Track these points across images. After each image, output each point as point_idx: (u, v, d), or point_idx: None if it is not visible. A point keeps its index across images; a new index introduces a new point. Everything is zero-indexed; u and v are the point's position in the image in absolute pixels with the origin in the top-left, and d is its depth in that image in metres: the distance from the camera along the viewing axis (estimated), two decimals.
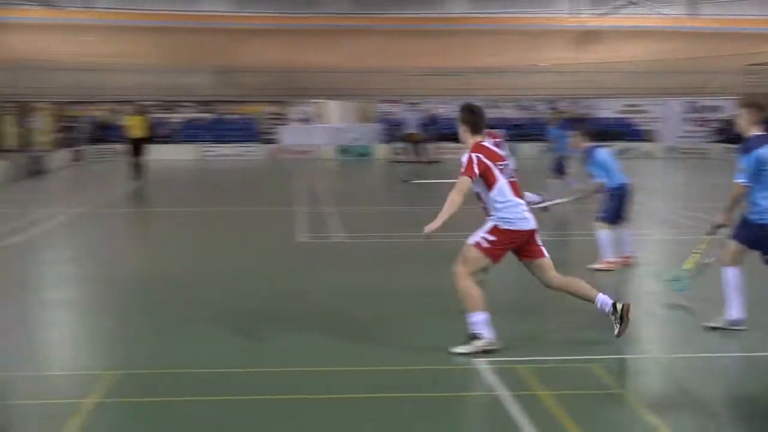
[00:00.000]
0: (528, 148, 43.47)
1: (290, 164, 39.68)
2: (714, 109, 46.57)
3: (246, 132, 47.01)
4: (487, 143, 9.08)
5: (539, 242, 8.94)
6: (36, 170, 32.91)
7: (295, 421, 6.99)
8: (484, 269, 8.88)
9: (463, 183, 8.72)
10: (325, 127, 46.55)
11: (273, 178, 34.26)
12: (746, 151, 9.15)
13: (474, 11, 63.53)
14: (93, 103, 48.79)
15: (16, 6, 57.43)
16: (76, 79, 49.25)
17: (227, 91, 51.08)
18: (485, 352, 8.57)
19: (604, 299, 8.86)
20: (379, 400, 7.50)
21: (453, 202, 8.65)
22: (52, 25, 55.03)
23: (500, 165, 8.87)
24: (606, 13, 62.70)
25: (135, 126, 28.79)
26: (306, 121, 48.10)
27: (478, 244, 8.73)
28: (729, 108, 45.42)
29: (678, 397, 7.65)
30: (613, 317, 8.79)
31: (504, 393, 7.46)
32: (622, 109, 48.35)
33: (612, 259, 13.08)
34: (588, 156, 13.28)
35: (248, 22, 60.62)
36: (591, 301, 8.93)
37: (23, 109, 45.84)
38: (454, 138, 33.14)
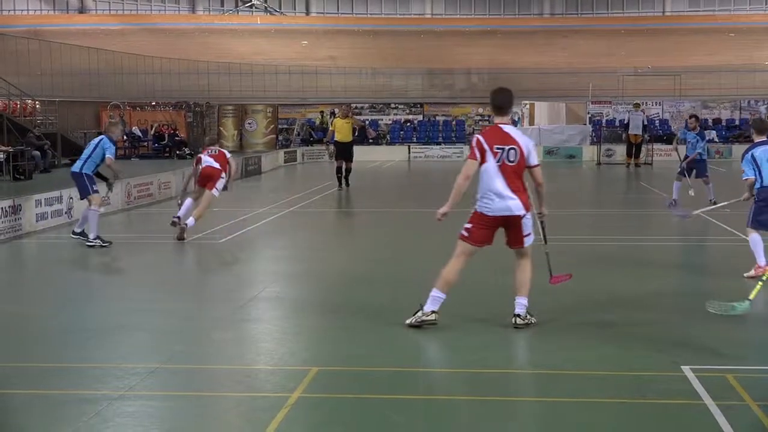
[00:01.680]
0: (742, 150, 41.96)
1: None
2: None
3: (454, 133, 47.31)
4: (502, 126, 9.42)
5: (524, 232, 9.41)
6: (252, 170, 34.16)
7: (495, 424, 7.01)
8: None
9: (467, 166, 9.45)
10: (532, 128, 46.24)
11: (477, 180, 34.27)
12: None
13: (691, 9, 62.00)
14: (307, 105, 50.26)
15: (242, 13, 59.93)
16: (291, 82, 50.90)
17: (437, 93, 51.61)
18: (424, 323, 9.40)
19: (519, 301, 9.54)
20: (580, 404, 7.42)
21: (458, 185, 9.45)
22: (272, 30, 57.06)
23: (498, 148, 9.22)
24: None
25: (342, 129, 27.20)
26: (514, 122, 47.98)
27: (461, 235, 9.58)
28: None
29: None
30: (519, 319, 9.48)
31: (710, 402, 7.22)
32: None
33: (764, 265, 12.20)
34: (745, 153, 12.81)
35: (458, 24, 61.10)
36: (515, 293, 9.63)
37: (241, 112, 47.79)
38: (667, 140, 33.02)
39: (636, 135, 37.10)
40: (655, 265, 14.05)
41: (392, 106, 50.16)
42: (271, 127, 48.06)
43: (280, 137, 48.29)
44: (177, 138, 43.09)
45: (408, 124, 49.11)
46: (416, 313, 9.51)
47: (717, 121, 45.80)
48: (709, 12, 61.85)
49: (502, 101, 9.61)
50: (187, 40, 53.01)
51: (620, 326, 9.68)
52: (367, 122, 39.06)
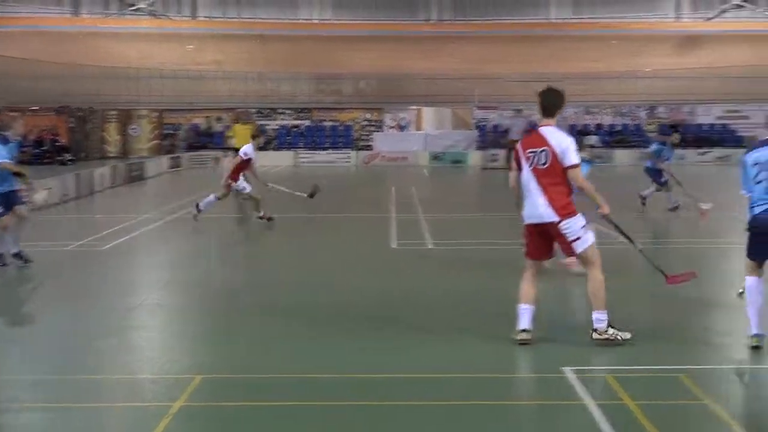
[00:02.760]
0: (625, 155, 43.08)
1: (384, 171, 39.83)
2: None
3: (341, 138, 47.35)
4: (541, 129, 9.26)
5: (569, 237, 9.03)
6: (135, 176, 33.65)
7: (375, 427, 7.03)
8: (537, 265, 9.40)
9: (510, 177, 9.48)
10: (419, 134, 46.60)
11: (367, 185, 34.42)
12: None
13: (576, 17, 63.04)
14: (192, 110, 49.74)
15: (126, 16, 58.97)
16: (176, 87, 50.30)
17: (325, 98, 51.59)
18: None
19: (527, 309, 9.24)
20: (469, 407, 7.49)
21: (513, 190, 9.40)
22: (157, 35, 56.26)
23: (530, 152, 9.09)
24: (711, 17, 61.63)
25: (242, 136, 24.85)
26: (401, 127, 48.25)
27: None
28: None
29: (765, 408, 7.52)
30: (596, 334, 9.08)
31: (591, 402, 7.39)
32: (722, 115, 47.10)
33: None
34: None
35: (346, 29, 61.06)
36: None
37: (125, 117, 47.00)
38: None
39: (514, 140, 37.75)
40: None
41: (279, 111, 49.96)
42: (156, 132, 47.43)
43: (165, 142, 47.67)
44: (58, 144, 42.17)
45: (295, 129, 49.00)
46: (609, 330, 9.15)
47: (599, 127, 46.79)
48: (592, 20, 63.14)
49: (547, 101, 9.42)
50: (70, 44, 51.90)
51: (503, 327, 9.81)
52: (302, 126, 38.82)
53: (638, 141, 45.18)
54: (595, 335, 9.08)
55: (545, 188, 9.01)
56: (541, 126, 9.27)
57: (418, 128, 49.78)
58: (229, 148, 26.26)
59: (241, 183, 19.82)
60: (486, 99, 47.55)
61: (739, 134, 45.51)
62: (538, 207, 9.03)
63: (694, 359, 8.83)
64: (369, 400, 7.56)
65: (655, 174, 21.45)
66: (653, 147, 21.80)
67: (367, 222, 20.87)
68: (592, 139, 44.51)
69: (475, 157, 44.10)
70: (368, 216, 21.97)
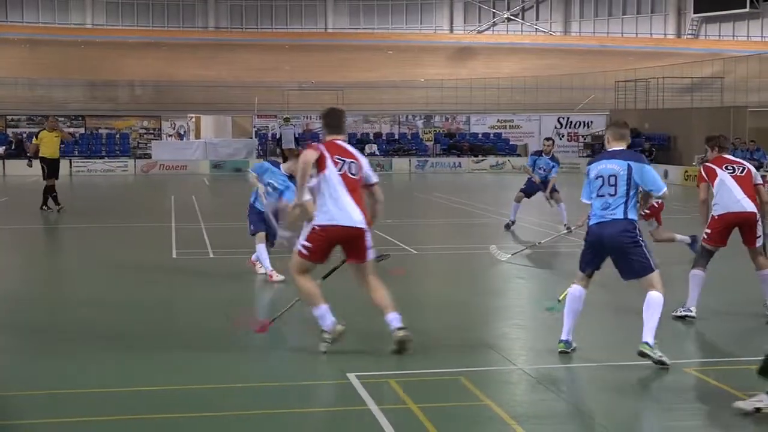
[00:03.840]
0: (403, 163, 43.93)
1: (164, 180, 39.13)
2: (585, 124, 47.54)
3: (118, 147, 46.17)
4: (338, 142, 9.36)
5: (367, 245, 9.20)
6: None
7: None
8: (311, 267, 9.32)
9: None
10: (199, 142, 46.02)
11: (146, 194, 33.73)
12: None
13: (353, 27, 63.92)
14: None
15: None
16: None
17: (99, 105, 50.22)
18: (336, 340, 9.10)
19: (393, 317, 9.18)
20: (251, 417, 7.46)
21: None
22: None
23: (337, 158, 9.14)
24: (484, 30, 63.76)
25: (49, 144, 23.72)
26: (180, 135, 47.53)
27: (299, 252, 9.23)
28: (600, 123, 46.62)
29: (543, 408, 7.81)
30: (397, 333, 9.12)
31: (374, 407, 7.50)
32: (495, 124, 48.60)
33: None
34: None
35: (121, 35, 59.81)
36: (382, 313, 9.26)
37: None
38: None
39: (290, 149, 37.93)
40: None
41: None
42: None
43: None
44: None
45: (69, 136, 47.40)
46: None
47: (378, 135, 47.53)
48: (368, 30, 64.11)
49: (332, 120, 9.57)
50: None
51: (293, 337, 9.82)
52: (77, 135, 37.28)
53: (415, 150, 46.19)
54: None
55: (359, 196, 9.22)
56: (336, 140, 9.36)
57: (198, 136, 49.21)
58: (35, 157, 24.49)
59: None
60: (265, 107, 47.49)
61: (512, 143, 47.20)
62: (351, 212, 9.11)
63: (473, 361, 9.10)
64: (147, 413, 7.45)
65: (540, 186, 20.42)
66: (529, 160, 20.99)
67: (147, 232, 20.47)
68: (373, 147, 45.47)
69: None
70: (148, 225, 21.55)
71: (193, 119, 49.97)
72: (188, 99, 50.08)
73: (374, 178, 9.42)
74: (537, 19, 64.34)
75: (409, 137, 47.35)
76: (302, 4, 65.12)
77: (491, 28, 64.75)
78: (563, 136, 47.05)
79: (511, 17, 64.60)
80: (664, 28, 60.92)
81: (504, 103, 50.51)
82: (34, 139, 24.70)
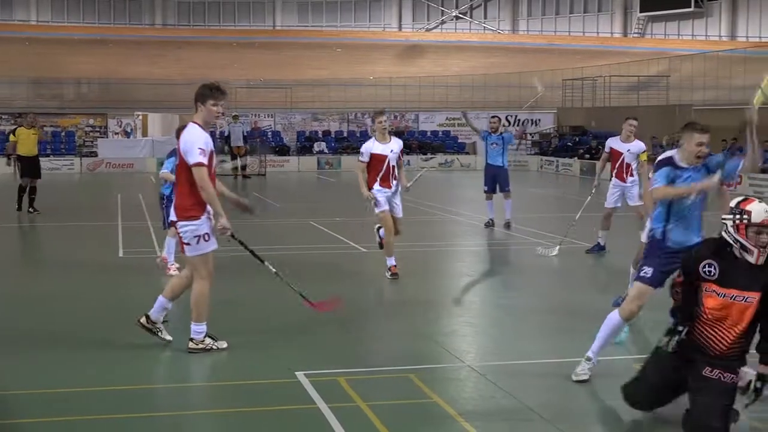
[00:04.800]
0: (352, 161, 43.82)
1: (110, 178, 38.70)
2: (533, 122, 47.80)
3: (64, 145, 45.61)
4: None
5: (183, 240, 9.01)
6: None
7: None
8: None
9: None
10: (146, 140, 45.57)
11: (92, 193, 33.34)
12: None
13: (301, 24, 63.73)
14: None
15: None
16: None
17: (45, 103, 49.60)
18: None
19: (159, 304, 9.27)
20: (202, 416, 7.41)
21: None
22: None
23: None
24: (433, 28, 63.86)
25: (26, 141, 22.69)
26: (126, 133, 47.05)
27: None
28: (547, 121, 46.90)
29: (491, 404, 7.83)
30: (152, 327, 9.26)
31: (324, 405, 7.47)
32: (443, 122, 48.70)
33: None
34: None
35: (66, 32, 59.12)
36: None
37: None
38: (280, 151, 32.52)
39: (239, 147, 37.83)
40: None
41: None
42: None
43: None
44: None
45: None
46: None
47: (326, 133, 47.47)
48: (317, 27, 63.95)
49: (195, 95, 9.13)
50: None
51: (238, 335, 9.75)
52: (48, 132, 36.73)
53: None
54: (191, 345, 9.06)
55: (175, 188, 9.22)
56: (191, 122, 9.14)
57: (144, 134, 48.77)
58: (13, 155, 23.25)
59: None
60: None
61: (460, 141, 47.30)
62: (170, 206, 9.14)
63: (422, 359, 9.09)
64: (57, 416, 7.36)
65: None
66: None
67: (93, 231, 20.23)
68: (322, 145, 45.40)
69: None
70: (94, 224, 21.29)
71: (140, 117, 49.49)
72: (135, 97, 49.63)
73: (191, 160, 8.77)
74: (485, 17, 64.60)
75: (358, 135, 47.27)
76: (250, 1, 64.85)
77: (440, 27, 64.87)
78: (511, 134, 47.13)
79: (460, 15, 64.78)
80: (610, 27, 61.44)
81: (452, 101, 50.60)
82: (11, 136, 23.50)
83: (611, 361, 8.66)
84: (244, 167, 37.45)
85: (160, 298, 9.29)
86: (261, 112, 46.15)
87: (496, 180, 20.08)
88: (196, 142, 8.78)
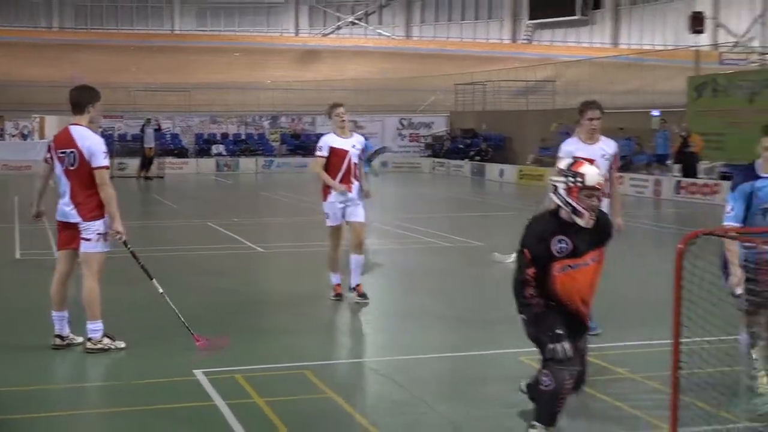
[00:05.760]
0: (250, 163, 43.59)
1: (6, 180, 37.75)
2: (426, 125, 48.09)
3: None
4: (70, 128, 9.01)
5: (82, 235, 8.89)
6: None
7: None
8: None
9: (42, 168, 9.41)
10: (43, 143, 44.51)
11: None
12: None
13: (200, 29, 63.13)
14: None
15: None
16: None
17: None
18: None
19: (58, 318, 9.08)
20: (100, 415, 7.32)
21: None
22: None
23: (61, 153, 8.93)
24: (329, 33, 63.85)
25: None
26: (23, 136, 45.97)
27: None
28: (440, 124, 47.27)
29: (385, 398, 7.90)
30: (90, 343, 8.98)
31: (221, 402, 7.44)
32: None
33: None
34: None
35: None
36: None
37: None
38: (179, 154, 32.01)
39: (150, 148, 37.40)
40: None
41: None
42: None
43: None
44: None
45: None
46: None
47: (225, 136, 47.04)
48: (215, 32, 63.36)
49: (75, 99, 8.98)
50: None
51: (137, 334, 9.64)
52: None
53: (261, 150, 45.89)
54: (89, 345, 8.97)
55: (73, 190, 8.88)
56: (72, 125, 9.02)
57: (42, 137, 47.69)
58: None
59: None
60: (112, 108, 46.35)
61: None
62: (64, 207, 8.92)
63: (317, 356, 9.10)
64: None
65: None
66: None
67: None
68: (220, 148, 45.02)
69: None
70: None
71: (38, 119, 48.41)
72: (32, 99, 48.50)
73: (96, 163, 8.82)
74: (380, 23, 64.83)
75: (256, 138, 47.01)
76: (148, 5, 63.94)
77: (336, 32, 64.88)
78: (405, 136, 47.54)
79: (355, 21, 64.88)
80: (500, 34, 62.22)
81: (348, 104, 50.05)
82: None
83: (501, 354, 8.80)
84: (149, 168, 37.21)
85: (54, 314, 9.11)
86: (159, 115, 45.62)
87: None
88: (100, 145, 8.82)
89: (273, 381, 8.19)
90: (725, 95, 26.56)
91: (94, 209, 8.84)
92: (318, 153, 11.34)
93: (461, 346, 9.21)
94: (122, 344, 9.11)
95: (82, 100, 8.98)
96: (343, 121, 11.41)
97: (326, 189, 11.28)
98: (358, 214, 11.21)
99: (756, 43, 38.65)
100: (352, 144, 11.36)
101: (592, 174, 6.46)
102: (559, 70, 48.11)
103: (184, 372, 8.33)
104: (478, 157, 41.36)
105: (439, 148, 46.01)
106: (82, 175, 8.80)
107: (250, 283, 13.64)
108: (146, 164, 37.39)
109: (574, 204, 6.38)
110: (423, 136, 47.92)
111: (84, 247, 8.89)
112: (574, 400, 6.72)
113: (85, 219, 8.83)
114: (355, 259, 11.06)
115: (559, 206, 6.48)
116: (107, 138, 44.36)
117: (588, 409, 7.24)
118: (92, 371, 8.60)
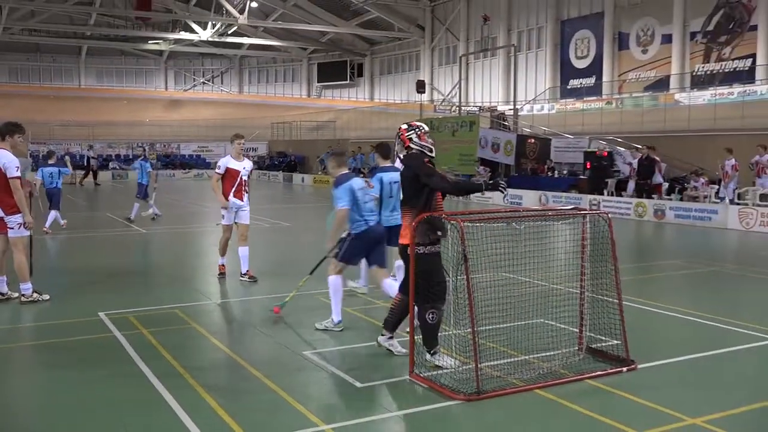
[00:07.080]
0: (135, 174, 41.53)
1: None
2: (254, 149, 47.42)
3: None
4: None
5: (8, 225, 8.31)
6: None
7: None
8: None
9: None
10: None
11: None
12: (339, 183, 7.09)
13: (99, 84, 60.03)
14: None
15: None
16: None
17: None
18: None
19: None
20: (29, 347, 6.82)
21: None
22: None
23: None
24: (188, 89, 61.94)
25: None
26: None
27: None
28: (263, 148, 46.74)
29: (230, 322, 7.76)
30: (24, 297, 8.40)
31: (118, 334, 7.11)
32: (196, 149, 47.82)
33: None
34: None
35: None
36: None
37: None
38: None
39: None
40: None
41: None
42: None
43: None
44: None
45: None
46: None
47: (118, 156, 44.61)
48: (110, 86, 59.98)
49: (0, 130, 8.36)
50: None
51: (57, 288, 9.02)
52: None
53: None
54: (22, 299, 8.41)
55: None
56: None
57: None
58: None
59: None
60: (37, 138, 42.93)
61: (207, 161, 46.18)
62: None
63: (184, 299, 8.78)
64: None
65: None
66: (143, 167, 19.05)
67: None
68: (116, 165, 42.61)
69: None
70: None
71: None
72: None
73: (10, 174, 8.17)
74: (222, 83, 63.21)
75: (141, 158, 44.73)
76: (62, 66, 59.63)
77: (193, 88, 62.72)
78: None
79: (206, 81, 63.00)
80: (300, 91, 61.87)
81: (202, 135, 49.36)
82: None
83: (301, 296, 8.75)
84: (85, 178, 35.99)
85: None
86: (72, 142, 43.00)
87: (142, 188, 18.38)
88: (14, 162, 8.26)
89: (154, 318, 7.86)
90: (438, 131, 27.47)
91: (13, 207, 8.23)
92: (216, 171, 9.87)
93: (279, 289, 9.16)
94: (47, 297, 8.53)
95: (4, 130, 8.39)
96: (241, 149, 9.92)
97: (226, 190, 9.78)
98: (244, 217, 9.87)
99: (455, 100, 40.31)
100: (243, 166, 9.85)
101: (421, 123, 6.20)
102: (338, 114, 48.58)
103: (92, 314, 7.90)
104: (287, 170, 41.35)
105: (263, 164, 45.42)
106: (3, 183, 8.20)
107: (138, 254, 12.96)
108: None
109: (428, 145, 6.04)
110: (252, 156, 47.16)
111: (11, 234, 8.33)
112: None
113: (7, 213, 8.27)
114: (243, 249, 9.93)
115: (420, 150, 6.00)
116: (34, 158, 41.53)
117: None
118: (25, 316, 7.99)
